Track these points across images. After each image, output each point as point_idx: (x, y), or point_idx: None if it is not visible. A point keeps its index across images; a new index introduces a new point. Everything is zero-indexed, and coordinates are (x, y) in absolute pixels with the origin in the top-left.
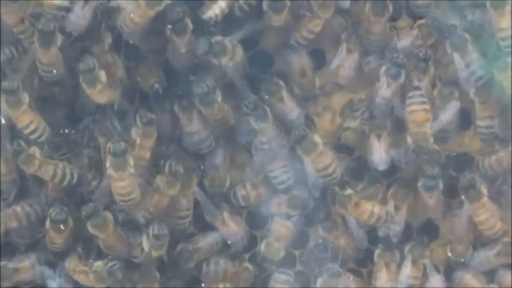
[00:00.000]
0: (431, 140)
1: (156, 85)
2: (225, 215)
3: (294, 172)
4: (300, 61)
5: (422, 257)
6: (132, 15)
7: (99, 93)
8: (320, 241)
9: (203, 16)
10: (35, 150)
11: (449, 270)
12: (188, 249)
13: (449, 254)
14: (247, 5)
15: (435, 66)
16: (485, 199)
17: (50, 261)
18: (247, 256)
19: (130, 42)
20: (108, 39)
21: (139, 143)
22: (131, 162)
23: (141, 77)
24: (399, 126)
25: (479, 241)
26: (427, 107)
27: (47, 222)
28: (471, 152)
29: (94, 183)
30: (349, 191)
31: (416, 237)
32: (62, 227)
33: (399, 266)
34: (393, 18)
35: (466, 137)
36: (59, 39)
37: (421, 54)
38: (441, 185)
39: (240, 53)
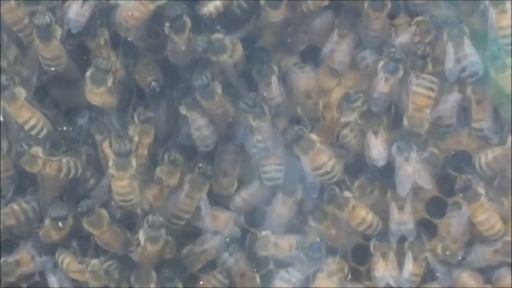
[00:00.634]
0: (426, 126)
1: (153, 83)
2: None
3: (287, 171)
4: (306, 82)
5: (423, 252)
6: (132, 10)
7: (99, 95)
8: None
9: (199, 12)
10: (37, 150)
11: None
12: (195, 252)
13: (440, 252)
14: (245, 3)
15: (433, 63)
16: (483, 199)
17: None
18: None
19: (129, 39)
20: (105, 36)
21: (137, 140)
22: (134, 163)
23: (139, 75)
24: (398, 122)
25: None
26: (433, 94)
27: (46, 220)
28: (469, 150)
29: (92, 181)
30: (347, 194)
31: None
32: (60, 224)
33: (396, 254)
34: (392, 16)
35: (464, 135)
36: (58, 32)
37: (419, 52)
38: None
39: (239, 51)
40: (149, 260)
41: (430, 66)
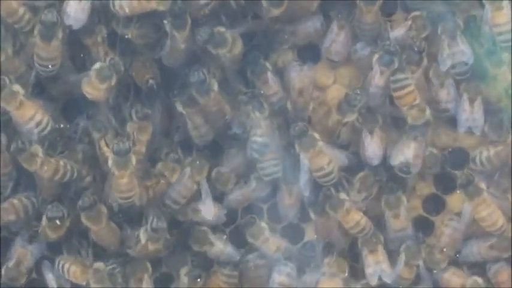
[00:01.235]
0: (428, 111)
1: (151, 81)
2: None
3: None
4: (301, 80)
5: (417, 259)
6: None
7: (99, 90)
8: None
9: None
10: (37, 148)
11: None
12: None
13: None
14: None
15: (428, 58)
16: (485, 194)
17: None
18: None
19: (126, 37)
20: (102, 33)
21: (135, 137)
22: (133, 161)
23: (136, 73)
24: (396, 120)
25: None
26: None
27: (43, 220)
28: (466, 147)
29: (88, 179)
30: (343, 195)
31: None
32: (58, 222)
33: (385, 248)
34: (389, 14)
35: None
36: (61, 32)
37: (415, 47)
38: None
39: (239, 47)
40: (147, 256)
41: (425, 61)
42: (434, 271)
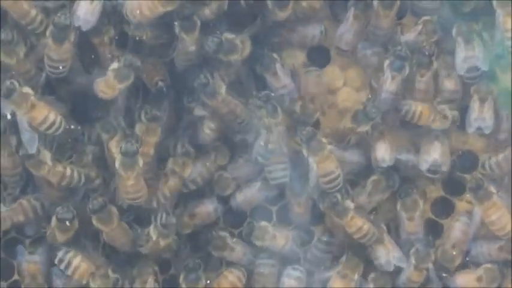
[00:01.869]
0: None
1: (160, 83)
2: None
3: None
4: (316, 87)
5: (426, 263)
6: (141, 7)
7: (115, 90)
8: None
9: None
10: (45, 154)
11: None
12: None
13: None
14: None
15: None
16: (495, 198)
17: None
18: None
19: (137, 39)
20: (110, 34)
21: (143, 139)
22: (140, 163)
23: (146, 74)
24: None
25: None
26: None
27: (53, 221)
28: (475, 150)
29: (98, 181)
30: (348, 203)
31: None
32: (68, 225)
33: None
34: (399, 17)
35: (470, 135)
36: (73, 35)
37: (426, 51)
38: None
39: (248, 48)
40: (159, 252)
41: (435, 65)
42: (444, 274)
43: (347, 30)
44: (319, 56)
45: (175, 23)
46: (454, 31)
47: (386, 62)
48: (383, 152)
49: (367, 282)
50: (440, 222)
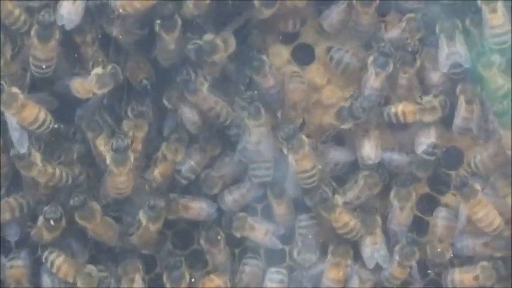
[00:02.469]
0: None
1: (144, 81)
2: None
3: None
4: (298, 94)
5: (410, 260)
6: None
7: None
8: None
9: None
10: (36, 156)
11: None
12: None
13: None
14: None
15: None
16: (480, 195)
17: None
18: None
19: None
20: (93, 33)
21: (131, 135)
22: (132, 158)
23: (130, 72)
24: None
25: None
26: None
27: (40, 220)
28: (460, 147)
29: (82, 178)
30: (337, 198)
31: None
32: (55, 224)
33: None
34: (383, 14)
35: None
36: (57, 33)
37: (409, 48)
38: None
39: (233, 45)
40: (150, 239)
41: (418, 62)
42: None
43: (335, 13)
44: (303, 53)
45: (156, 22)
46: (437, 28)
47: (370, 59)
48: (368, 150)
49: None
50: (425, 219)
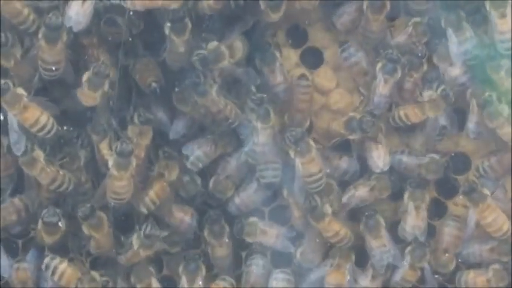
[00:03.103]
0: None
1: (154, 84)
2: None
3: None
4: (304, 100)
5: (422, 262)
6: None
7: (95, 98)
8: None
9: None
10: (39, 154)
11: None
12: None
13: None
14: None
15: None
16: (489, 200)
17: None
18: None
19: (129, 40)
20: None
21: (135, 141)
22: (134, 163)
23: (139, 76)
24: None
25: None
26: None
27: (39, 224)
28: (467, 152)
29: (87, 185)
30: (327, 208)
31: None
32: (54, 228)
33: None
34: (391, 18)
35: (462, 137)
36: (65, 36)
37: (418, 53)
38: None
39: (239, 50)
40: (137, 262)
41: (425, 66)
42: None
43: (349, 13)
44: (312, 57)
45: (166, 24)
46: (443, 23)
47: (379, 65)
48: (376, 159)
49: None
50: (432, 224)
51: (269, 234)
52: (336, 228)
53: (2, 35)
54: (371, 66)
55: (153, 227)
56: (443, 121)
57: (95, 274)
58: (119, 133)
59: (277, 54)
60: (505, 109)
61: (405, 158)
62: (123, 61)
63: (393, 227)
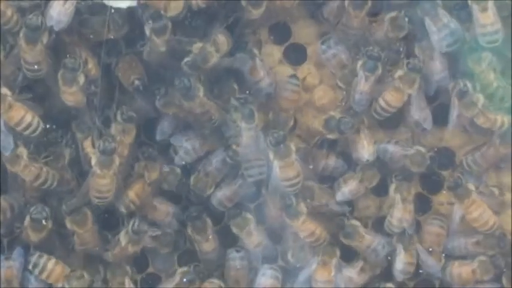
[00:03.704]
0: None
1: (136, 82)
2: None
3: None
4: (290, 101)
5: (412, 244)
6: None
7: (71, 94)
8: None
9: None
10: (22, 151)
11: None
12: None
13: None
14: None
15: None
16: (474, 195)
17: None
18: None
19: (112, 37)
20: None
21: (118, 139)
22: (117, 162)
23: (122, 73)
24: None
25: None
26: None
27: (26, 220)
28: (452, 147)
29: (73, 183)
30: (302, 207)
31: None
32: (41, 225)
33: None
34: (374, 14)
35: (446, 131)
36: (46, 36)
37: (399, 48)
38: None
39: (224, 44)
40: (124, 258)
41: (404, 61)
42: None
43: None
44: (295, 53)
45: (146, 24)
46: (419, 13)
47: (359, 63)
48: (361, 150)
49: None
50: (417, 219)
51: (254, 238)
52: (311, 228)
53: None
54: (350, 60)
55: (140, 222)
56: (416, 115)
57: (81, 272)
58: (102, 131)
59: (256, 51)
60: (480, 99)
61: (391, 148)
62: (106, 59)
63: (378, 223)
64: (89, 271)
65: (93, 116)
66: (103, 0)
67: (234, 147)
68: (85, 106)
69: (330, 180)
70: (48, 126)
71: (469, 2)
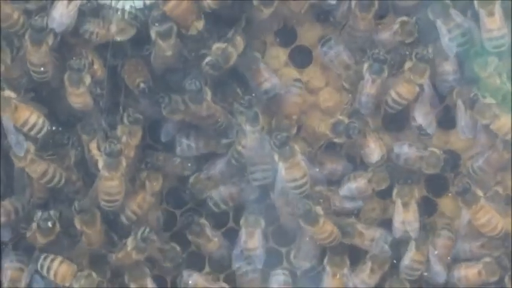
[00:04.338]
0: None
1: (142, 84)
2: None
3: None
4: (293, 107)
5: (426, 243)
6: None
7: (78, 96)
8: None
9: None
10: (30, 146)
11: None
12: None
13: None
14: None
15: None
16: (482, 201)
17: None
18: None
19: (118, 40)
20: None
21: (124, 141)
22: (124, 163)
23: (127, 76)
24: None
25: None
26: None
27: (34, 226)
28: (457, 150)
29: (79, 184)
30: (319, 210)
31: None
32: (49, 230)
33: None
34: (380, 17)
35: (452, 135)
36: (51, 38)
37: (403, 52)
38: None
39: (241, 43)
40: (126, 263)
41: (408, 64)
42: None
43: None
44: (300, 55)
45: (152, 28)
46: (430, 15)
47: (365, 66)
48: (370, 153)
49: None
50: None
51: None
52: (329, 229)
53: None
54: (353, 59)
55: (150, 232)
56: (420, 120)
57: (89, 271)
58: (108, 133)
59: (258, 55)
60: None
61: (406, 149)
62: (112, 61)
63: (383, 226)
64: (95, 271)
65: (99, 117)
66: (107, 1)
67: (239, 148)
68: (92, 108)
69: (332, 184)
70: (54, 128)
71: (476, 6)
